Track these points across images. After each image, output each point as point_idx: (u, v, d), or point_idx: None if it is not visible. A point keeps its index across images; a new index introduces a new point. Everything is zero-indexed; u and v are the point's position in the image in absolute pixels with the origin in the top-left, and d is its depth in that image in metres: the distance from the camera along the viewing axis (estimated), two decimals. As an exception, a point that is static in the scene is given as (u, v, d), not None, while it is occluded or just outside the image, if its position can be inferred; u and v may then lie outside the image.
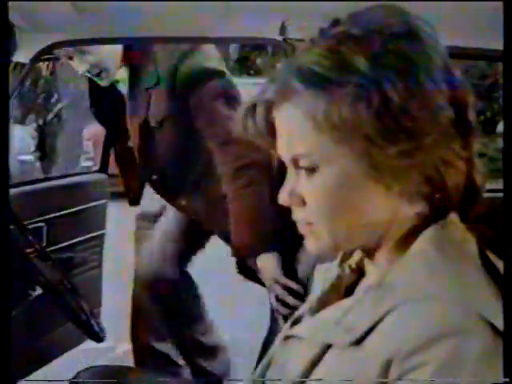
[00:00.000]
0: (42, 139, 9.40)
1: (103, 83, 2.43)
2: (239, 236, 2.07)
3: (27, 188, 2.82)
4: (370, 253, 1.00)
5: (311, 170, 0.94)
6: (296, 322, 1.12)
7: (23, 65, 1.98)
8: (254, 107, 0.99)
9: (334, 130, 0.91)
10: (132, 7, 1.68)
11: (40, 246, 1.90)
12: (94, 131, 8.72)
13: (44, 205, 2.75)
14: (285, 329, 1.14)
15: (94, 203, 3.01)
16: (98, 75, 2.39)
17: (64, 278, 1.87)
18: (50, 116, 10.13)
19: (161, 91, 2.32)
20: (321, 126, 0.91)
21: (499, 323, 0.84)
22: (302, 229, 1.00)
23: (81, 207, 2.94)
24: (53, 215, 2.76)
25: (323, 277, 1.12)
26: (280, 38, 1.95)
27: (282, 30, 1.91)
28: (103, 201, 3.09)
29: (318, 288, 1.12)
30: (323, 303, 1.06)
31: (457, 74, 0.94)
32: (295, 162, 0.97)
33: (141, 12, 1.74)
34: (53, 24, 1.79)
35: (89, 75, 2.42)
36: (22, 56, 1.94)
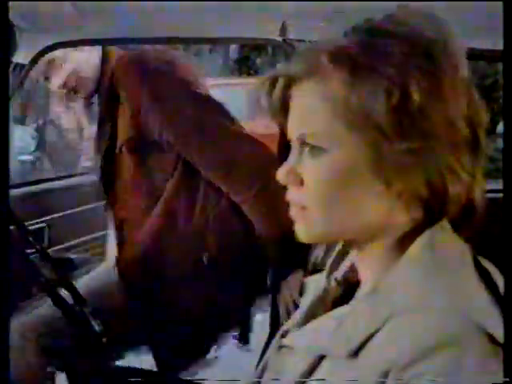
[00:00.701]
0: (42, 139, 9.40)
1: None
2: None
3: (32, 188, 2.84)
4: (361, 250, 0.99)
5: (317, 150, 0.94)
6: (285, 334, 1.11)
7: (23, 65, 1.98)
8: (274, 81, 0.99)
9: (350, 114, 0.91)
10: (131, 7, 1.68)
11: (40, 246, 1.90)
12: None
13: (47, 205, 2.76)
14: (275, 340, 1.13)
15: (96, 204, 3.01)
16: (74, 90, 2.21)
17: (63, 278, 1.87)
18: (50, 116, 10.12)
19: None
20: (337, 108, 0.92)
21: (496, 332, 0.84)
22: (293, 212, 0.99)
23: (83, 208, 2.94)
24: (56, 215, 2.77)
25: (312, 289, 1.11)
26: (280, 39, 1.96)
27: (282, 30, 1.91)
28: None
29: (306, 300, 1.11)
30: (310, 316, 1.05)
31: (475, 93, 0.95)
32: (302, 139, 0.96)
33: (140, 12, 1.74)
34: (53, 24, 1.79)
35: (64, 91, 2.22)
36: (21, 56, 1.94)
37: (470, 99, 0.93)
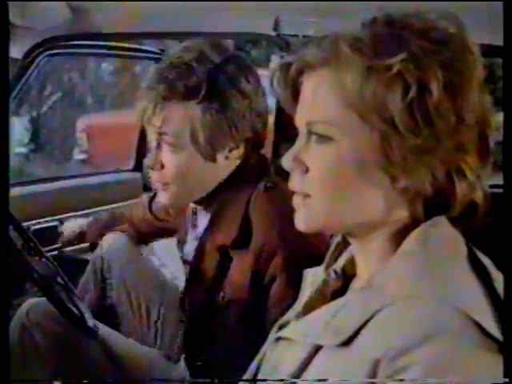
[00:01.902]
0: (35, 131, 9.38)
1: None
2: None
3: (60, 184, 2.81)
4: (359, 243, 1.00)
5: (324, 139, 0.94)
6: (283, 326, 1.12)
7: (16, 60, 1.98)
8: (287, 66, 0.99)
9: (364, 105, 0.91)
10: (125, 3, 1.68)
11: (33, 242, 1.89)
12: (88, 123, 8.69)
13: (79, 203, 2.74)
14: (272, 333, 1.13)
15: (127, 202, 2.95)
16: None
17: (57, 274, 1.86)
18: (44, 108, 10.10)
19: None
20: (351, 98, 0.91)
21: (488, 324, 0.84)
22: (296, 200, 0.99)
23: (114, 205, 2.89)
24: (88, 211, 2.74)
25: (311, 282, 1.12)
26: (274, 34, 1.95)
27: (276, 25, 1.91)
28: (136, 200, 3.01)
29: (306, 293, 1.11)
30: (309, 309, 1.05)
31: (487, 93, 0.95)
32: (310, 128, 0.96)
33: (135, 7, 1.73)
34: (46, 20, 1.78)
35: None
36: (15, 51, 1.94)
37: (482, 99, 0.93)
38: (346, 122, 0.92)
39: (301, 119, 0.99)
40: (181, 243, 1.86)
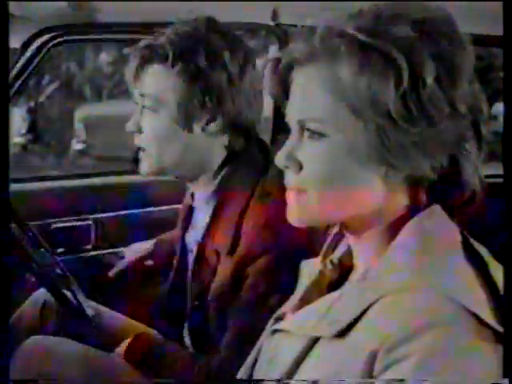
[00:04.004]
0: (33, 121, 9.36)
1: None
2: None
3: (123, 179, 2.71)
4: (358, 239, 1.00)
5: (318, 135, 0.94)
6: (279, 318, 1.12)
7: (15, 50, 1.97)
8: (277, 62, 0.98)
9: (357, 100, 0.90)
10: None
11: (32, 232, 1.89)
12: (86, 113, 8.67)
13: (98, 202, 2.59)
14: (269, 325, 1.13)
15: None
16: None
17: (56, 265, 1.87)
18: (42, 98, 10.08)
19: None
20: (343, 94, 0.91)
21: (483, 313, 0.85)
22: (289, 196, 0.99)
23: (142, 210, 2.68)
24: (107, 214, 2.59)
25: (307, 273, 1.12)
26: (272, 23, 1.95)
27: (274, 15, 1.91)
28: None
29: (302, 285, 1.11)
30: (305, 301, 1.05)
31: (476, 80, 0.95)
32: (303, 125, 0.96)
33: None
34: (44, 10, 1.78)
35: None
36: (13, 41, 1.93)
37: (473, 88, 0.93)
38: (339, 119, 0.92)
39: (292, 116, 0.98)
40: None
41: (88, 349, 1.73)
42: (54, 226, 2.42)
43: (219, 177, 1.66)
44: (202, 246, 1.68)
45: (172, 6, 1.94)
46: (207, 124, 1.61)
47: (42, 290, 1.93)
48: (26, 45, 1.97)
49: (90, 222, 2.50)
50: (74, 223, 2.47)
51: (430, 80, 0.88)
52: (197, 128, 1.62)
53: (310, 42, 0.94)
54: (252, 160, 1.66)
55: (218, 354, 1.58)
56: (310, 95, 0.94)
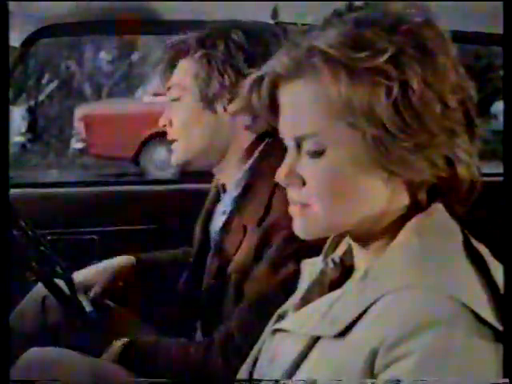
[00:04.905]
0: (33, 120, 9.37)
1: None
2: None
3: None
4: (359, 239, 0.99)
5: (317, 154, 0.93)
6: (280, 317, 1.11)
7: (14, 48, 1.97)
8: (260, 79, 0.97)
9: (350, 113, 0.89)
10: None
11: (31, 231, 1.89)
12: (86, 112, 8.68)
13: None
14: (270, 324, 1.13)
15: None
16: None
17: (56, 263, 1.86)
18: (42, 97, 10.09)
19: None
20: (335, 108, 0.90)
21: (484, 312, 0.84)
22: (293, 210, 0.98)
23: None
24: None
25: (308, 272, 1.12)
26: (272, 22, 1.95)
27: (274, 14, 1.91)
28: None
29: (304, 284, 1.11)
30: (306, 299, 1.05)
31: (462, 71, 0.94)
32: (299, 142, 0.95)
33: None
34: (44, 8, 1.78)
35: None
36: (13, 40, 1.93)
37: (458, 78, 0.92)
38: (335, 134, 0.91)
39: (287, 133, 0.97)
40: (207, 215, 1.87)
41: (91, 360, 1.72)
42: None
43: (249, 161, 1.68)
44: (228, 223, 1.69)
45: (172, 5, 1.94)
46: (229, 103, 1.64)
47: (41, 287, 1.92)
48: (25, 43, 1.97)
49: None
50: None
51: (416, 84, 0.87)
52: (219, 107, 1.65)
53: (293, 58, 0.92)
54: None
55: (224, 327, 1.57)
56: (303, 112, 0.93)
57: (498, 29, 1.06)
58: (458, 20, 1.77)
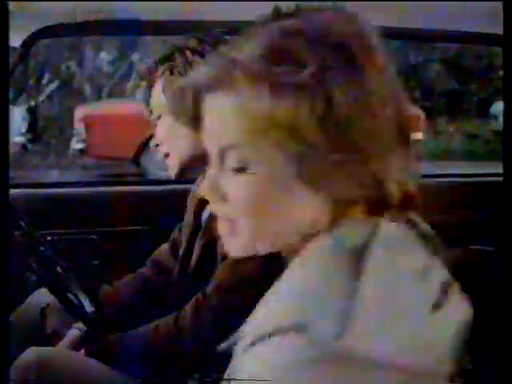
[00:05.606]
0: (33, 120, 9.37)
1: None
2: None
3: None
4: (291, 255, 0.94)
5: (240, 170, 0.89)
6: None
7: (15, 49, 1.97)
8: (182, 91, 0.93)
9: (273, 129, 0.85)
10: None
11: (32, 231, 1.89)
12: (86, 112, 8.68)
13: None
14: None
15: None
16: None
17: (57, 264, 1.87)
18: (42, 97, 10.10)
19: None
20: (258, 123, 0.86)
21: (323, 331, 0.79)
22: (221, 226, 0.95)
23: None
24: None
25: None
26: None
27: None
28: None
29: None
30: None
31: (396, 81, 0.90)
32: (222, 154, 0.91)
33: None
34: (44, 9, 1.78)
35: None
36: (13, 40, 1.93)
37: (390, 90, 0.88)
38: (259, 149, 0.87)
39: (210, 145, 0.94)
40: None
41: (88, 361, 1.72)
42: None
43: None
44: None
45: (172, 5, 1.94)
46: None
47: (39, 295, 1.93)
48: (26, 44, 1.98)
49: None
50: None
51: (341, 99, 0.83)
52: None
53: (213, 68, 0.89)
54: None
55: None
56: (224, 122, 0.89)
57: (498, 29, 1.06)
58: (458, 20, 1.77)
